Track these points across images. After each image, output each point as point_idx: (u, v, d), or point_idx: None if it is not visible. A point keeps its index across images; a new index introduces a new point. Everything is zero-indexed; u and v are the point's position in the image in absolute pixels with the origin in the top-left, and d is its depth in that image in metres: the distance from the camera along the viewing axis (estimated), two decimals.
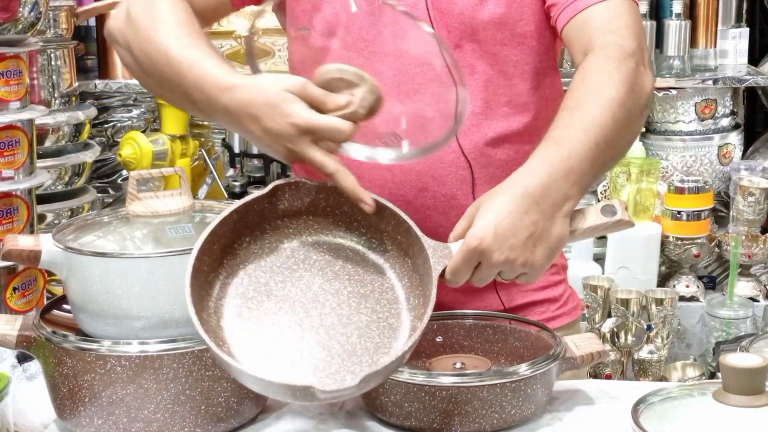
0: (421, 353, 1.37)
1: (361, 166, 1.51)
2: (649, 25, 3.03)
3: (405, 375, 1.29)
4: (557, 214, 1.27)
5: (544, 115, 1.55)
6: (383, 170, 1.49)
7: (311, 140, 1.26)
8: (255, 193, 1.30)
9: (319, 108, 1.26)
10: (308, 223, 1.32)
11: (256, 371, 1.17)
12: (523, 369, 1.30)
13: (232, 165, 3.04)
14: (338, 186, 1.28)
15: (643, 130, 2.96)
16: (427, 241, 1.26)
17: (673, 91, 3.05)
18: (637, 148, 2.94)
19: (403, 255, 1.30)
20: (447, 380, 1.28)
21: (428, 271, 1.25)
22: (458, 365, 1.35)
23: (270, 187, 1.30)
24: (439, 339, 1.44)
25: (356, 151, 1.30)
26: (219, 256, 1.27)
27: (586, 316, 2.70)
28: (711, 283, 3.03)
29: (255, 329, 1.24)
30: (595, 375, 2.64)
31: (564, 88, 1.60)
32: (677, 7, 3.05)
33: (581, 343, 1.39)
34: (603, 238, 2.79)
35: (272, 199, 1.30)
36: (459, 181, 1.49)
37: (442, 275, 1.26)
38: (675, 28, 3.05)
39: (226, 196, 3.12)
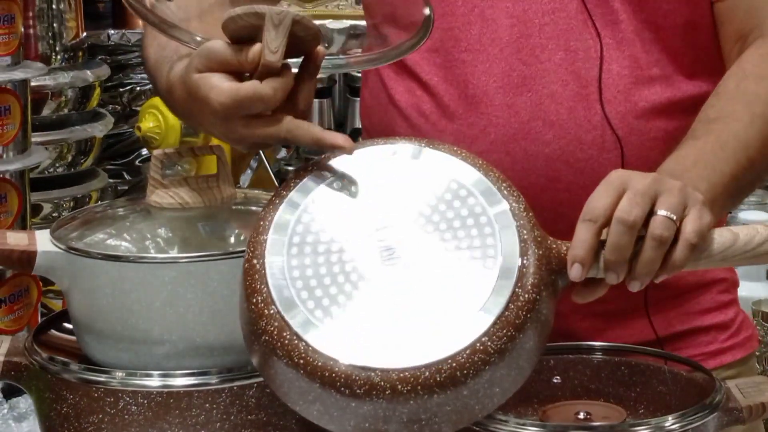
0: (532, 398, 1.36)
1: (470, 149, 1.52)
2: None
3: (510, 425, 1.29)
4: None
5: (702, 82, 1.55)
6: (500, 154, 1.50)
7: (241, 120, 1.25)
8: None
9: (238, 69, 1.24)
10: None
11: None
12: (670, 422, 1.30)
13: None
14: (301, 143, 1.26)
15: None
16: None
17: None
18: None
19: None
20: None
21: None
22: (582, 415, 1.34)
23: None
24: (556, 380, 1.43)
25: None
26: None
27: (756, 354, 2.67)
28: None
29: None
30: None
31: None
32: None
33: (749, 390, 1.38)
34: None
35: None
36: (603, 165, 1.49)
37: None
38: None
39: (276, 183, 3.14)
